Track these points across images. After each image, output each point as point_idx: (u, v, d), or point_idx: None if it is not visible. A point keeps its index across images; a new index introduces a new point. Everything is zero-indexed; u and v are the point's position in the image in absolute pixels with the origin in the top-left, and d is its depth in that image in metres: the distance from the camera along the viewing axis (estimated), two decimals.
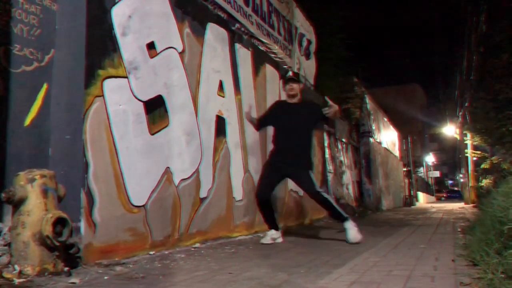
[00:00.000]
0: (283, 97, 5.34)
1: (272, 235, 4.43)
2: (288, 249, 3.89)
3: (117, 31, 3.45)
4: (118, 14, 3.46)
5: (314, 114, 4.59)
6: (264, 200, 4.47)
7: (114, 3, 3.44)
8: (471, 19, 16.02)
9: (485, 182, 17.00)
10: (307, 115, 4.55)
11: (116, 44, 3.43)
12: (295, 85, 4.58)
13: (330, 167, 10.47)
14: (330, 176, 10.26)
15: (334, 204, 4.42)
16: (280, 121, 4.59)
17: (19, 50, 2.96)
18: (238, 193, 5.14)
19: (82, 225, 2.93)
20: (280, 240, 4.49)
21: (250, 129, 5.49)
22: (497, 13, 12.23)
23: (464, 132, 21.09)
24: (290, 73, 4.75)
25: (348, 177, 12.56)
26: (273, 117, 4.71)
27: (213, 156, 4.69)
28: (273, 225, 4.55)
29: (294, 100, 4.61)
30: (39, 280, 2.34)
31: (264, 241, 4.36)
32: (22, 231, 2.45)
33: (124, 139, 3.40)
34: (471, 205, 16.50)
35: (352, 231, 4.25)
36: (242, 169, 5.34)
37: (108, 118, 3.27)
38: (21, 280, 2.33)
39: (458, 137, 23.79)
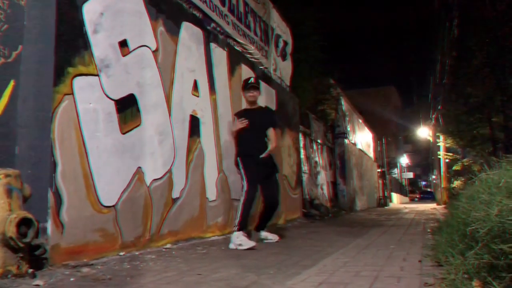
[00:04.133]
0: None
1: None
2: (260, 250, 3.89)
3: (88, 28, 3.38)
4: (89, 11, 3.40)
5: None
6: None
7: (85, 0, 3.37)
8: (444, 24, 16.40)
9: (456, 184, 17.42)
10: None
11: (87, 42, 3.36)
12: (255, 93, 4.75)
13: (305, 167, 10.55)
14: (305, 177, 10.34)
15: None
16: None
17: None
18: (211, 193, 5.12)
19: (49, 225, 2.86)
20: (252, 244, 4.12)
21: (224, 129, 5.48)
22: (469, 19, 12.55)
23: (437, 134, 21.55)
24: (252, 80, 4.83)
25: (323, 178, 12.68)
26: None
27: (186, 156, 4.66)
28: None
29: (254, 106, 4.78)
30: (1, 282, 2.28)
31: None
32: None
33: (94, 138, 3.34)
34: (443, 206, 16.85)
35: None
36: (216, 169, 5.32)
37: (78, 117, 3.21)
38: None
39: (431, 139, 24.29)
